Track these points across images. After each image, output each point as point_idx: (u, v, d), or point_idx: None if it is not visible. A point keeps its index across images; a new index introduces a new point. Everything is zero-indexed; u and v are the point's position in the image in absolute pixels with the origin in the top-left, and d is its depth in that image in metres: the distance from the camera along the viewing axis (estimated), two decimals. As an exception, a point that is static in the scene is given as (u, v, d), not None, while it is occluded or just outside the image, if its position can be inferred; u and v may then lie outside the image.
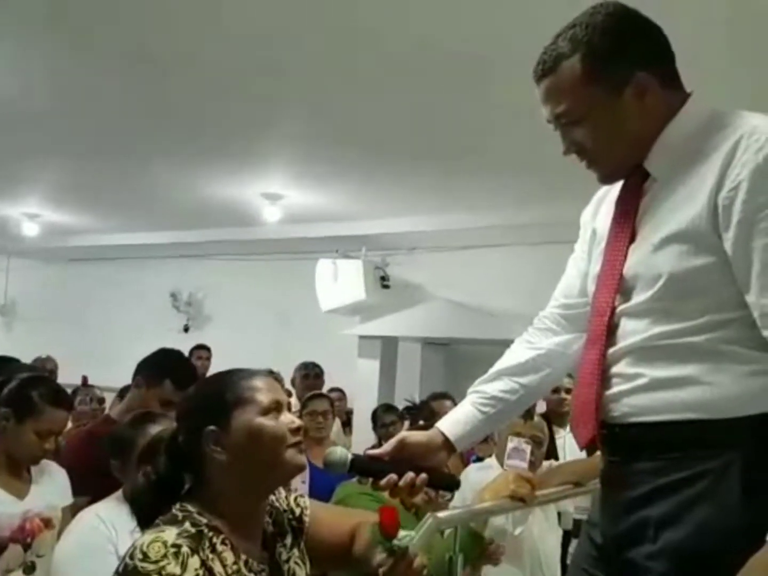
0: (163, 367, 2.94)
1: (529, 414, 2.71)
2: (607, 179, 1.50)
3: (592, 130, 1.40)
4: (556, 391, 3.77)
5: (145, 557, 1.32)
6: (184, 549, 1.35)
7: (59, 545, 2.13)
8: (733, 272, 1.28)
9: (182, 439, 1.52)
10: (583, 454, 1.94)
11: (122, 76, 3.96)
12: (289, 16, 3.18)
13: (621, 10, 1.39)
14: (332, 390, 6.44)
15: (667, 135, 1.39)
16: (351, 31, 3.28)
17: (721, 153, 1.28)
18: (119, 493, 2.17)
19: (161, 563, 1.32)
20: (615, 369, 1.40)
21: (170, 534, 1.36)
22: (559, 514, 2.81)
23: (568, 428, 3.67)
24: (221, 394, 1.51)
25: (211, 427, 1.47)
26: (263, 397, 1.49)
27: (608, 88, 1.37)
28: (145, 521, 1.48)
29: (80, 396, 5.24)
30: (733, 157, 1.27)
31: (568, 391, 3.66)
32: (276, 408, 1.50)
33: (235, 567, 1.42)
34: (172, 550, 1.34)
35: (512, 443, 2.55)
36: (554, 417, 3.86)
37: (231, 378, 1.54)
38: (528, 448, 2.51)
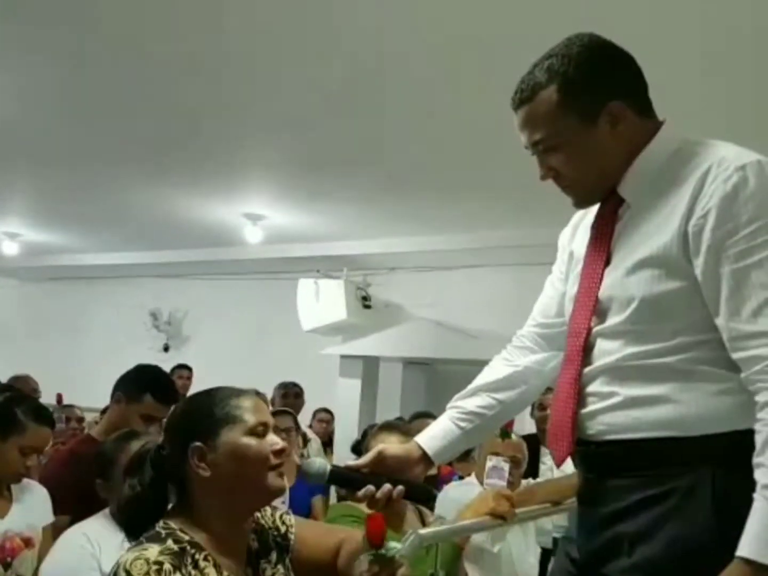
0: (143, 382, 2.93)
1: (506, 433, 2.74)
2: (581, 204, 1.55)
3: (567, 157, 1.44)
4: (543, 408, 3.72)
5: (129, 575, 1.34)
6: (166, 566, 1.37)
7: (45, 563, 2.13)
8: (703, 296, 1.32)
9: (168, 452, 1.55)
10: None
11: (102, 96, 3.97)
12: (270, 38, 3.22)
13: (596, 42, 1.45)
14: (320, 411, 6.45)
15: (639, 162, 1.43)
16: (329, 55, 3.33)
17: (691, 182, 1.34)
18: (106, 511, 2.18)
19: None
20: (590, 388, 1.44)
21: (153, 551, 1.38)
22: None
23: None
24: (210, 411, 1.53)
25: (197, 443, 1.49)
26: (251, 417, 1.51)
27: (583, 117, 1.41)
28: (132, 533, 1.50)
29: (56, 414, 5.19)
30: (703, 186, 1.32)
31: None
32: (262, 429, 1.52)
33: None
34: (155, 567, 1.36)
35: (491, 462, 2.57)
36: (544, 435, 3.83)
37: (220, 395, 1.56)
38: (506, 467, 2.54)
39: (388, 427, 2.46)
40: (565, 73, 1.40)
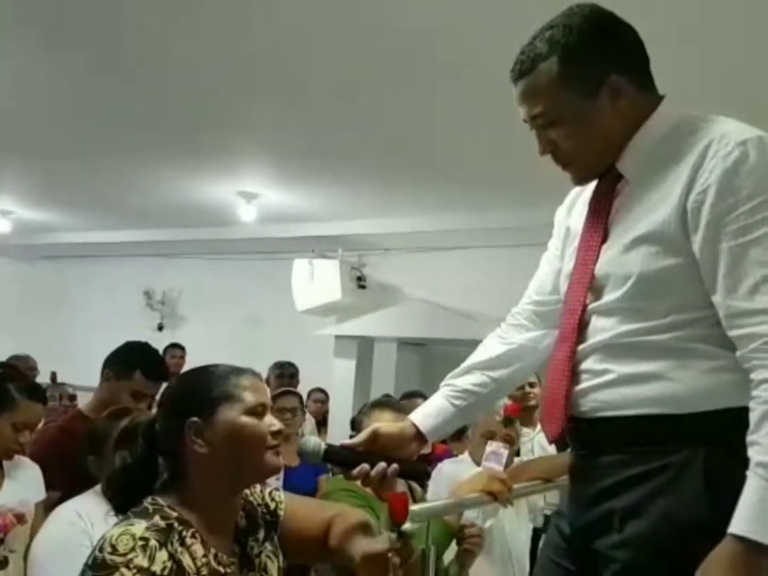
0: (132, 359, 2.92)
1: (509, 420, 2.73)
2: (581, 180, 1.52)
3: (567, 131, 1.42)
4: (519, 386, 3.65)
5: (114, 550, 1.35)
6: (152, 542, 1.37)
7: (37, 540, 2.12)
8: (700, 273, 1.31)
9: (162, 426, 1.54)
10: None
11: (95, 75, 3.95)
12: (264, 18, 3.20)
13: (598, 13, 1.42)
14: (315, 391, 6.45)
15: (639, 137, 1.42)
16: (327, 37, 3.32)
17: (691, 157, 1.32)
18: (97, 487, 2.17)
19: (129, 556, 1.34)
20: (584, 365, 1.43)
21: (139, 527, 1.39)
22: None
23: (537, 428, 3.60)
24: (209, 387, 1.52)
25: (195, 419, 1.48)
26: (250, 397, 1.51)
27: (584, 90, 1.39)
28: (119, 507, 1.50)
29: (50, 392, 5.19)
30: (703, 162, 1.30)
31: (531, 384, 3.49)
32: (261, 410, 1.52)
33: (204, 560, 1.44)
34: (140, 543, 1.36)
35: (490, 447, 2.56)
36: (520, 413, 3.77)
37: (219, 372, 1.55)
38: (505, 453, 2.52)
39: (381, 404, 2.45)
40: (566, 44, 1.38)
